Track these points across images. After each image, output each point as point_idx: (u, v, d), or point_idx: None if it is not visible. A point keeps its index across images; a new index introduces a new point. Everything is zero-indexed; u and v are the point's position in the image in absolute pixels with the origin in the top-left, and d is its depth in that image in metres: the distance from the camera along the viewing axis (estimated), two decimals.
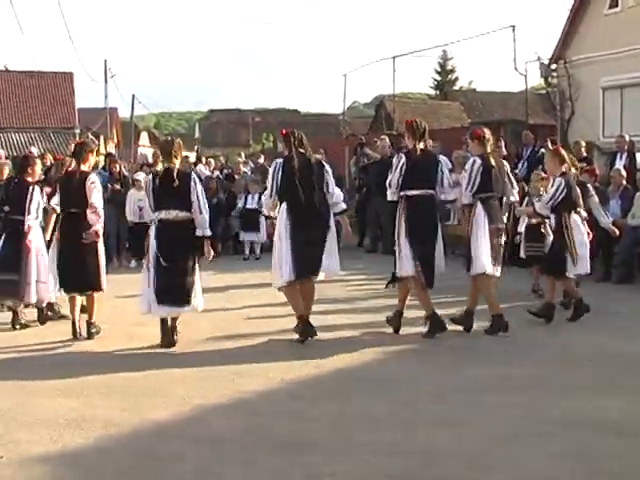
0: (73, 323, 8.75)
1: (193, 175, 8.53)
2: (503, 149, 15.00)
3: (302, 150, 8.53)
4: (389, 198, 8.82)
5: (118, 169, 15.99)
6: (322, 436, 5.57)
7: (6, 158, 15.61)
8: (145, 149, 47.50)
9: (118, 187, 15.45)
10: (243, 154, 23.12)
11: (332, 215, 8.58)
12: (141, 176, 14.53)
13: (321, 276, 8.62)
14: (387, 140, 17.24)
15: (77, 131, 39.58)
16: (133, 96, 56.53)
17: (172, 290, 8.15)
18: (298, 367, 7.48)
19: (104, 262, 9.05)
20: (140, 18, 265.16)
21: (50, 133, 36.77)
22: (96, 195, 8.72)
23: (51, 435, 5.67)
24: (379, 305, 10.23)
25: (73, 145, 10.20)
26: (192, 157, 33.53)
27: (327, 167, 8.66)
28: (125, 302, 10.40)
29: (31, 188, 9.25)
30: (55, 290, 9.04)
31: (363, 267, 14.16)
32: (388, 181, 8.72)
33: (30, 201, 9.18)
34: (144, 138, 61.20)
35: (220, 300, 10.78)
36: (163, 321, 8.33)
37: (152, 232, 8.25)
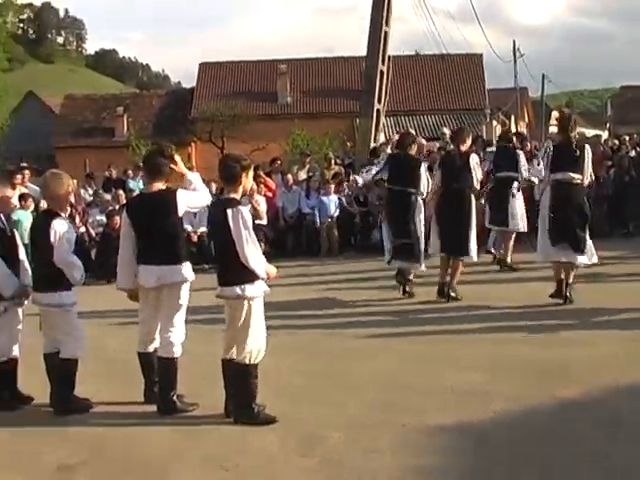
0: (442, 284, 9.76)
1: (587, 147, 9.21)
2: None
3: None
4: None
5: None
6: None
7: None
8: (556, 128, 46.68)
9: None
10: None
11: None
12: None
13: None
14: None
15: (487, 112, 40.00)
16: (543, 75, 56.11)
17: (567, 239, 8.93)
18: None
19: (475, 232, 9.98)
20: None
21: (461, 114, 37.51)
22: (479, 172, 9.99)
23: (454, 406, 5.80)
24: None
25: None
26: (604, 135, 32.37)
27: None
28: None
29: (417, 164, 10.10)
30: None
31: None
32: None
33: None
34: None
35: None
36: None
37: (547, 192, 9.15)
